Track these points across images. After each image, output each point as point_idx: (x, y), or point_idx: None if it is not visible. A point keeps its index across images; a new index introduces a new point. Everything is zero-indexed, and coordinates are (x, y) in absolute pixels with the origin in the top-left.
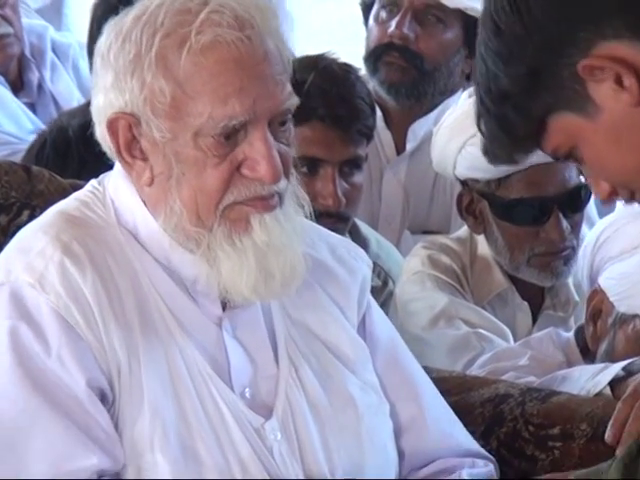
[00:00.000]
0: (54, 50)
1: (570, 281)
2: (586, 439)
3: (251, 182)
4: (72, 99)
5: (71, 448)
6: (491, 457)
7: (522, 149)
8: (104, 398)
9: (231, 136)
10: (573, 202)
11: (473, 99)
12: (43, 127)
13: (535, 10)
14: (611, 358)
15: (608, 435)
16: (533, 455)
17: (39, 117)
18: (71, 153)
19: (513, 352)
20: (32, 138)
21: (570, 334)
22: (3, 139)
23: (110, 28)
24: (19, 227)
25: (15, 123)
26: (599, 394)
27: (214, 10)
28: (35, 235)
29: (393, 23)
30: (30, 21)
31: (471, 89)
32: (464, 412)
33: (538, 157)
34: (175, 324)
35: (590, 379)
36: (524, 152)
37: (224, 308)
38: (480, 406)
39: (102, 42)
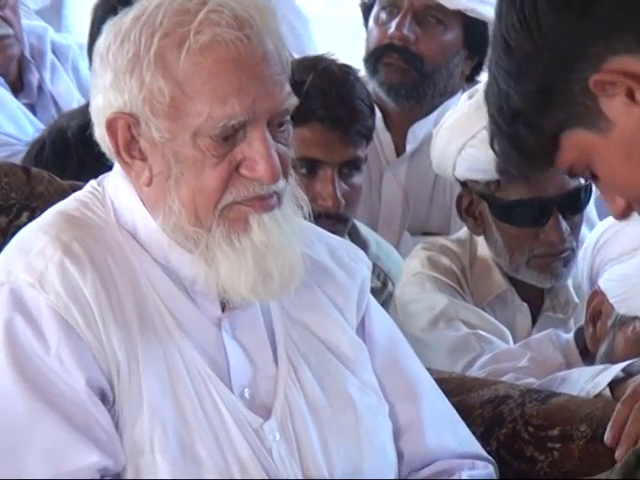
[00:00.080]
0: (54, 51)
1: (570, 283)
2: (585, 440)
3: (250, 182)
4: (72, 100)
5: (72, 447)
6: (491, 458)
7: (536, 168)
8: (104, 398)
9: (230, 136)
10: (573, 203)
11: (473, 100)
12: (43, 128)
13: (546, 27)
14: (611, 360)
15: (607, 436)
16: (532, 456)
17: (39, 118)
18: (70, 154)
19: (513, 353)
20: (32, 139)
21: (570, 335)
22: (3, 140)
23: (109, 28)
24: (19, 228)
25: (15, 124)
26: (599, 395)
27: (213, 10)
28: (35, 235)
29: (393, 24)
30: (30, 22)
31: (471, 90)
32: (464, 413)
33: None
34: (174, 324)
35: (589, 380)
36: (538, 171)
37: (223, 308)
38: (480, 407)
39: (101, 42)
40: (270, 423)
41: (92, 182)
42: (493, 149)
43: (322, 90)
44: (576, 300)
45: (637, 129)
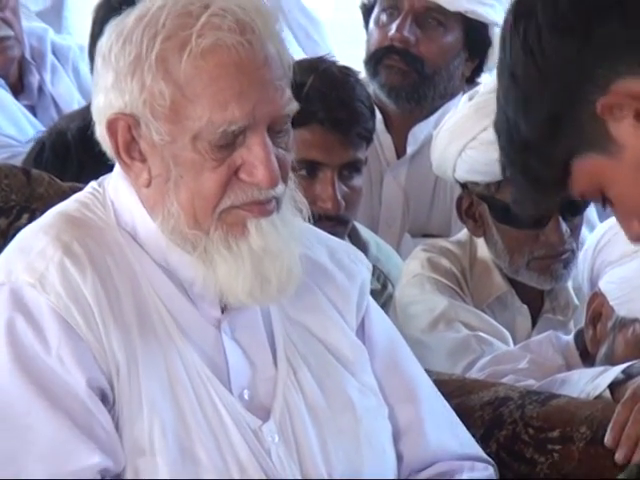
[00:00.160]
0: (54, 53)
1: (570, 285)
2: (585, 442)
3: (248, 187)
4: (72, 101)
5: (73, 448)
6: (490, 460)
7: (549, 197)
8: (105, 398)
9: (229, 141)
10: (573, 205)
11: (473, 102)
12: (43, 130)
13: (549, 52)
14: (610, 362)
15: (608, 438)
16: (532, 458)
17: (39, 120)
18: (70, 156)
19: (513, 355)
20: (32, 141)
21: (569, 337)
22: (3, 142)
23: (112, 28)
24: (18, 230)
25: (15, 126)
26: (599, 397)
27: (215, 14)
28: (36, 235)
29: (394, 26)
30: (30, 24)
31: (471, 92)
32: (464, 415)
33: None
34: (174, 326)
35: (590, 382)
36: (552, 199)
37: (223, 310)
38: (480, 409)
39: (103, 42)
40: (269, 425)
41: (93, 183)
42: (507, 180)
43: (322, 92)
44: (576, 302)
45: None
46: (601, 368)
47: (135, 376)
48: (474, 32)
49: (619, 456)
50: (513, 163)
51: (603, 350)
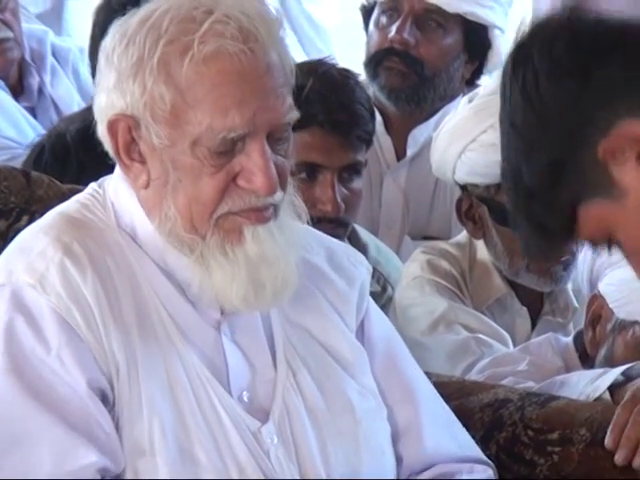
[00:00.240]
0: (54, 54)
1: (569, 287)
2: (585, 444)
3: (246, 193)
4: (72, 103)
5: (72, 447)
6: (490, 462)
7: (557, 244)
8: (105, 399)
9: (228, 148)
10: None
11: (473, 104)
12: (43, 132)
13: (547, 98)
14: (610, 364)
15: (607, 440)
16: (532, 460)
17: (39, 121)
18: (70, 158)
19: (512, 357)
20: (32, 143)
21: (569, 339)
22: (3, 144)
23: (115, 29)
24: (18, 232)
25: (15, 128)
26: (598, 399)
27: (218, 20)
28: (36, 236)
29: (393, 28)
30: (30, 26)
31: (471, 94)
32: (463, 417)
33: None
34: (174, 327)
35: (589, 384)
36: (559, 246)
37: (222, 312)
38: (479, 411)
39: (107, 42)
40: (268, 426)
41: (93, 184)
42: (515, 230)
43: (322, 95)
44: (575, 304)
45: None
46: (600, 370)
47: (135, 377)
48: (474, 34)
49: (619, 458)
50: (520, 211)
51: (602, 352)
